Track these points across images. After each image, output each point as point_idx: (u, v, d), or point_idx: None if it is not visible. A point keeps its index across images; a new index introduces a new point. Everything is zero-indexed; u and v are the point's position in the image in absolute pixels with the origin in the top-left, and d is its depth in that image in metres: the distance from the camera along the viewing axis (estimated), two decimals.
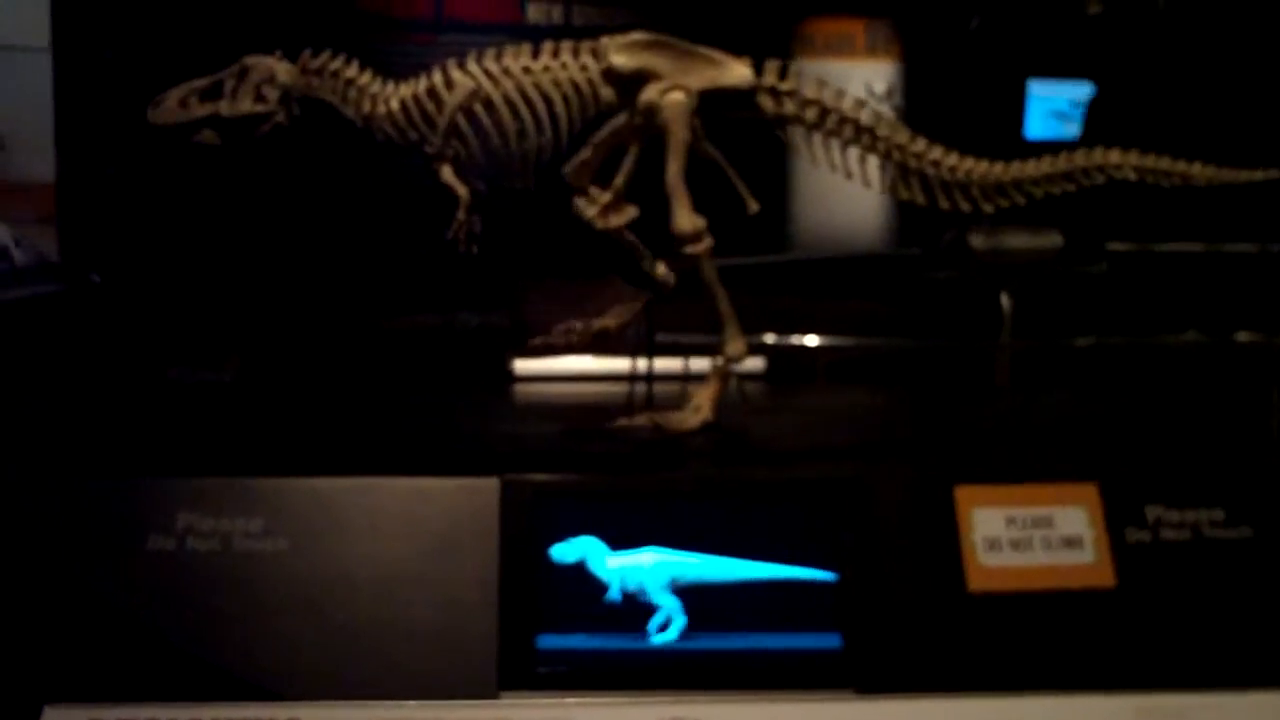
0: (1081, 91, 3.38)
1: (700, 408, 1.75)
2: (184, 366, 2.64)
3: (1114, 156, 1.75)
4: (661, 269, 1.82)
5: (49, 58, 3.11)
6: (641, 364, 1.95)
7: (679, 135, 1.72)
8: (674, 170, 1.72)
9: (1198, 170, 1.74)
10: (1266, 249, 3.01)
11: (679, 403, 1.78)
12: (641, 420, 1.75)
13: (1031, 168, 1.76)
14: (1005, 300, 2.62)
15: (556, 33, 1.78)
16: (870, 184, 1.79)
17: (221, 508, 1.49)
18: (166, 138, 1.73)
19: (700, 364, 2.12)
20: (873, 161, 1.78)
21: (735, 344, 1.76)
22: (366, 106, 1.75)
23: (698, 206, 1.73)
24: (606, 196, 1.77)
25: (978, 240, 2.82)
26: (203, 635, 1.44)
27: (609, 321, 1.87)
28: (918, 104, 3.52)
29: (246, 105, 1.72)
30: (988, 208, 1.77)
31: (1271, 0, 3.14)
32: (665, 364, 2.14)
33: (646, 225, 1.79)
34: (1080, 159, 1.76)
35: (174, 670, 1.42)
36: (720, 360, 1.76)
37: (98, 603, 1.45)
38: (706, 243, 1.73)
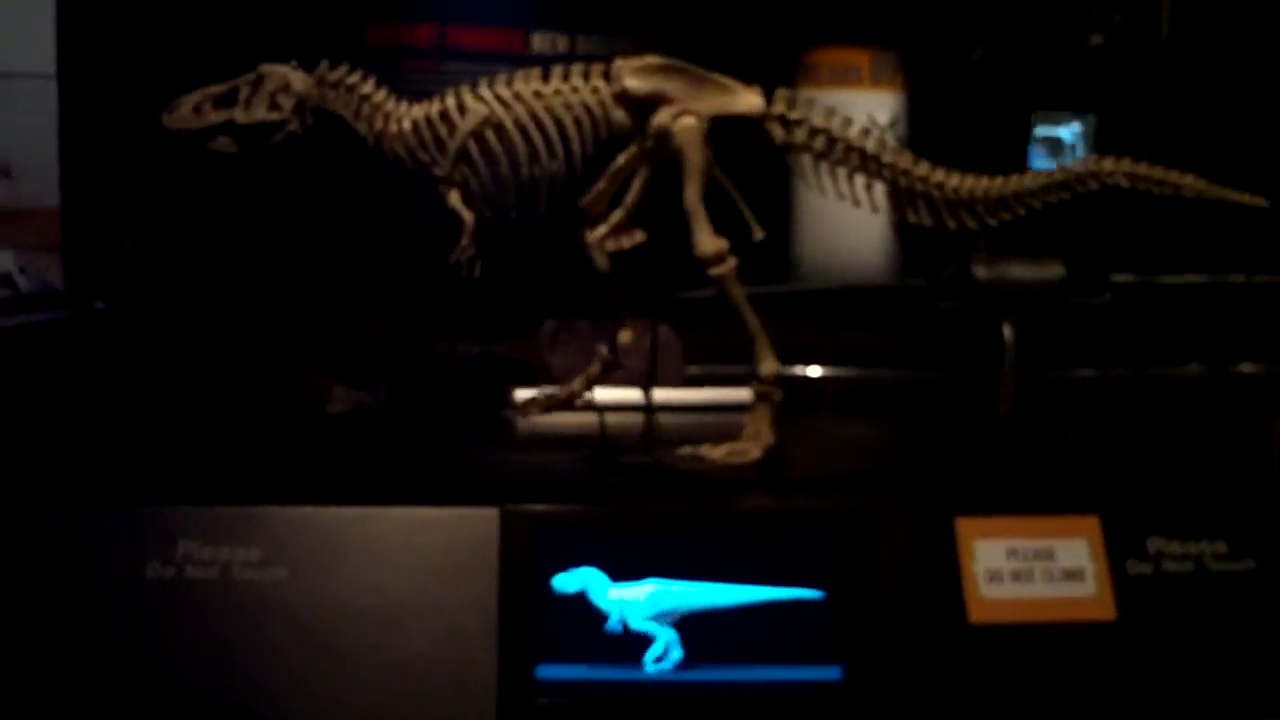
0: (1077, 128, 3.39)
1: (759, 434, 1.75)
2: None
3: (1107, 164, 1.76)
4: (625, 336, 1.83)
5: (54, 84, 3.11)
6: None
7: (694, 159, 1.72)
8: (692, 194, 1.72)
9: (1189, 181, 1.75)
10: (1270, 280, 3.00)
11: (701, 433, 1.78)
12: (704, 453, 1.75)
13: (1030, 180, 1.77)
14: (1008, 331, 2.62)
15: (561, 62, 1.78)
16: (878, 210, 1.80)
17: (220, 536, 1.49)
18: (179, 145, 1.73)
19: (703, 395, 2.12)
20: (879, 188, 1.78)
21: (768, 363, 1.75)
22: (379, 124, 1.75)
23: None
24: (617, 216, 1.77)
25: (980, 271, 2.82)
26: (201, 664, 1.43)
27: (576, 386, 1.88)
28: (922, 135, 3.52)
29: (261, 113, 1.72)
30: (992, 222, 1.78)
31: (1275, 29, 3.14)
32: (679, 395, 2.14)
33: (653, 252, 1.78)
34: (1076, 168, 1.77)
35: (173, 699, 1.42)
36: (757, 383, 1.76)
37: (96, 631, 1.44)
38: (730, 263, 1.73)
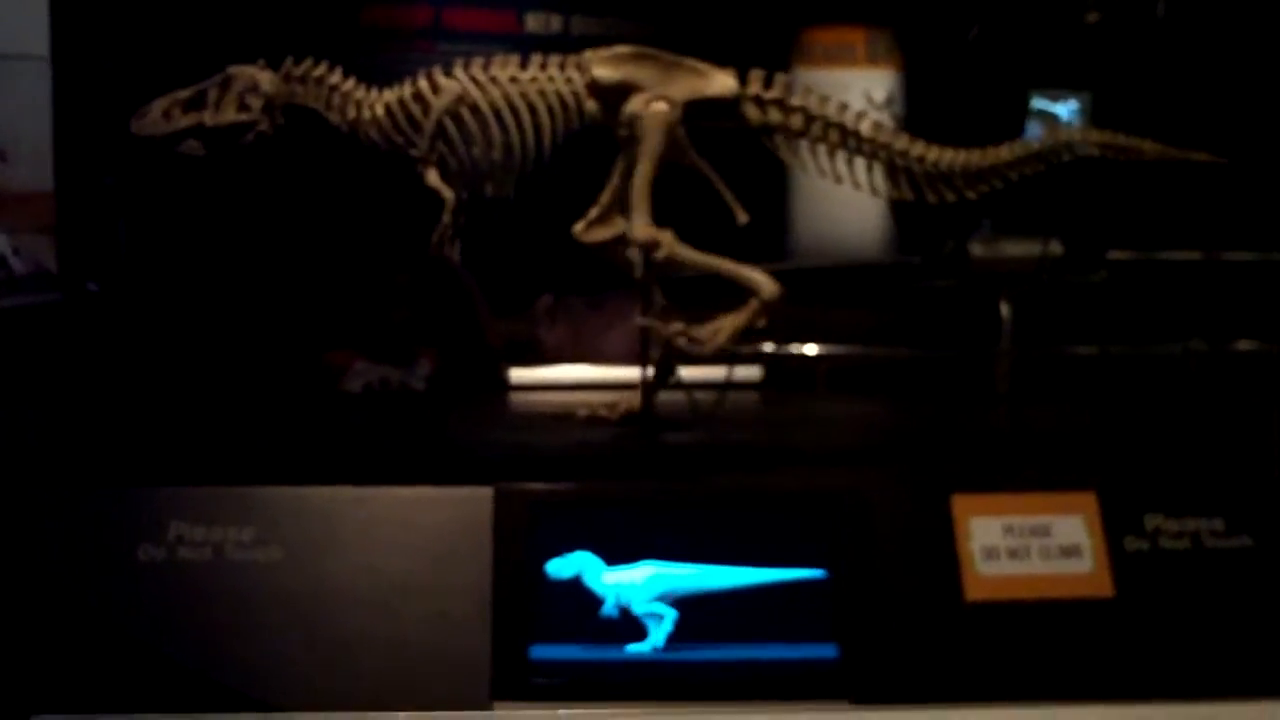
0: (1074, 105, 3.39)
1: (720, 331, 1.74)
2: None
3: (1076, 134, 1.78)
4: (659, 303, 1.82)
5: (48, 67, 3.10)
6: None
7: (652, 144, 1.72)
8: (641, 178, 1.72)
9: (1147, 146, 1.77)
10: (1267, 257, 3.00)
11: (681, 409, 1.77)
12: (670, 330, 1.73)
13: (1006, 152, 1.78)
14: (1005, 309, 2.61)
15: (555, 42, 1.78)
16: (860, 186, 1.79)
17: (213, 517, 1.48)
18: (157, 147, 1.72)
19: (698, 373, 2.11)
20: (861, 163, 1.78)
21: (767, 288, 1.73)
22: (351, 112, 1.75)
23: (697, 215, 1.72)
24: (594, 211, 1.77)
25: (977, 249, 2.81)
26: (194, 645, 1.43)
27: (635, 401, 1.86)
28: (919, 113, 3.52)
29: (230, 115, 1.72)
30: (971, 195, 1.78)
31: (1272, 7, 3.13)
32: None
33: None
34: (1048, 139, 1.78)
35: (164, 680, 1.42)
36: (756, 301, 1.73)
37: (88, 612, 1.44)
38: (666, 245, 1.72)
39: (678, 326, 1.74)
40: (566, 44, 1.79)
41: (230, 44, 1.77)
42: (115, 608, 1.44)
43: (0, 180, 3.14)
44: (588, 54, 1.74)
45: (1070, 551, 1.52)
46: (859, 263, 3.31)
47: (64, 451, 1.79)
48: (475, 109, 1.73)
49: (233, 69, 1.73)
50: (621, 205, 1.76)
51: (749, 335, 1.76)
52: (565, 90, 1.74)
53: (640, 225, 1.71)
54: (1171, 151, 1.76)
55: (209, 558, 1.47)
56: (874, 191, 1.80)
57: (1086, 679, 1.46)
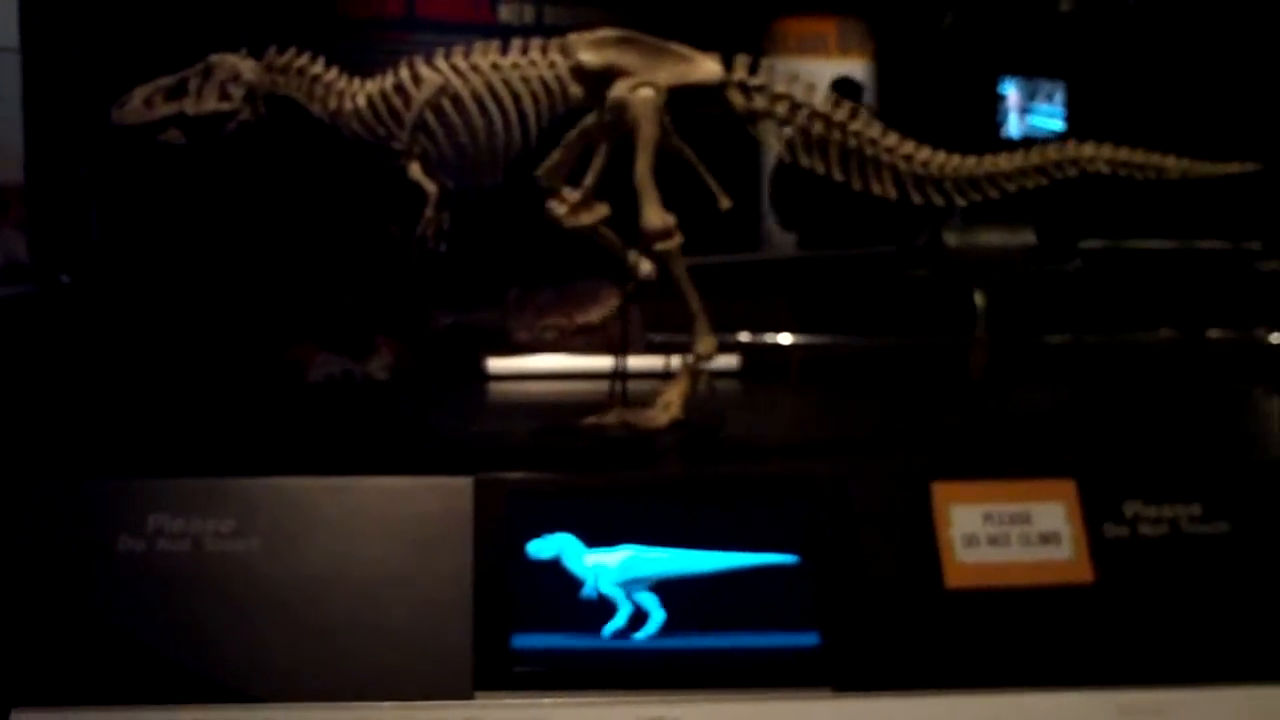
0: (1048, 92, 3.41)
1: (670, 405, 1.73)
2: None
3: (1087, 150, 1.73)
4: (645, 265, 1.81)
5: (18, 59, 3.09)
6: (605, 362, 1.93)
7: (648, 131, 1.70)
8: (643, 166, 1.70)
9: (1171, 163, 1.72)
10: (1238, 246, 3.01)
11: (652, 400, 1.77)
12: (611, 418, 1.73)
13: (1005, 161, 1.74)
14: (979, 298, 2.62)
15: (528, 33, 1.76)
16: (843, 179, 1.77)
17: (192, 508, 1.47)
18: (133, 138, 1.71)
19: (671, 362, 2.12)
20: (845, 156, 1.76)
21: (706, 342, 1.73)
22: (333, 103, 1.73)
23: (669, 203, 1.72)
24: (576, 195, 1.76)
25: (952, 239, 2.82)
26: (174, 637, 1.42)
27: (591, 317, 1.85)
28: (891, 102, 3.53)
29: (211, 104, 1.71)
30: (961, 201, 1.75)
31: None
32: (649, 362, 2.13)
33: (619, 223, 1.77)
34: (1053, 153, 1.74)
35: (145, 673, 1.41)
36: (690, 358, 1.74)
37: (66, 604, 1.43)
38: (676, 240, 1.71)
39: (619, 416, 1.72)
40: (539, 35, 1.77)
41: (205, 35, 1.76)
42: (95, 601, 1.44)
43: None
44: (571, 37, 1.73)
45: (1050, 538, 1.52)
46: (833, 253, 3.32)
47: (40, 444, 1.78)
48: (457, 99, 1.72)
49: (214, 58, 1.72)
50: (603, 190, 1.74)
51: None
52: (549, 75, 1.72)
53: (654, 213, 1.69)
54: (1200, 167, 1.72)
55: (188, 549, 1.46)
56: (856, 186, 1.77)
57: (1068, 666, 1.47)
